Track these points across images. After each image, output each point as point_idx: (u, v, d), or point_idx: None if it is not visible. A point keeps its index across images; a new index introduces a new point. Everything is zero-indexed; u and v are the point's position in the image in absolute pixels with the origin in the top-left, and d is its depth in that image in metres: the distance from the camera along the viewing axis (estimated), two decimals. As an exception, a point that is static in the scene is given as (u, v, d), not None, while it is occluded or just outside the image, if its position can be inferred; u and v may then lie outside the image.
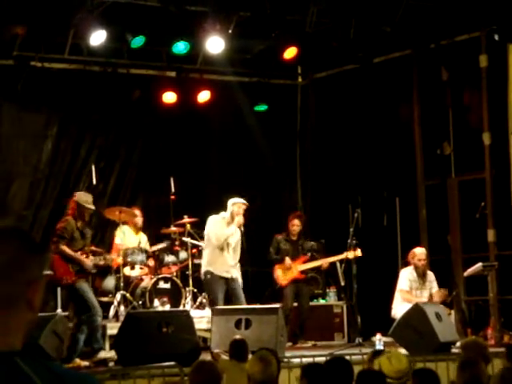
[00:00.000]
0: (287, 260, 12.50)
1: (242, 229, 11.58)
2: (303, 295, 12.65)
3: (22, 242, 1.95)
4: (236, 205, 11.47)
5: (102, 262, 10.86)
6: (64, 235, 10.25)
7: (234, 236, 11.56)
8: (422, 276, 11.71)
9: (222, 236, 11.40)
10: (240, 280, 11.52)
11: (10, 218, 12.96)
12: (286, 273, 12.54)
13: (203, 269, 11.58)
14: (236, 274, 11.51)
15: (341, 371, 5.94)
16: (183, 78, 13.84)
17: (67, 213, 10.49)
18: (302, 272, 12.60)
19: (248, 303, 11.38)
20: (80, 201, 10.44)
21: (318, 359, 8.41)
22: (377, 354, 6.82)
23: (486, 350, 6.80)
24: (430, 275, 11.86)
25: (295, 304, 12.59)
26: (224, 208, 11.62)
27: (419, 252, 11.80)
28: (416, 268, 11.69)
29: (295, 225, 12.69)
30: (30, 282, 1.92)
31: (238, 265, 11.71)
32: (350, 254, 11.85)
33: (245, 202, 11.51)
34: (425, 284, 11.73)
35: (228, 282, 11.43)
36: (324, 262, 12.60)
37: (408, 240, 13.09)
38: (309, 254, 12.72)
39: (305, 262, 12.63)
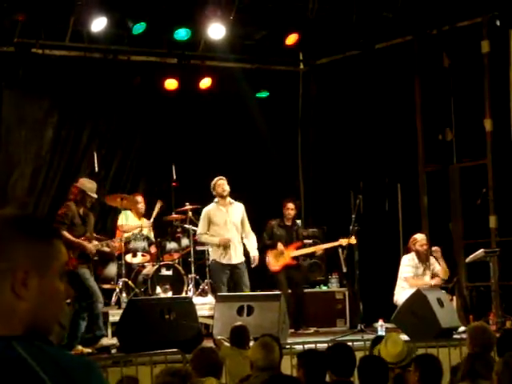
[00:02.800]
0: (279, 245, 12.45)
1: (240, 208, 11.60)
2: (297, 282, 12.59)
3: (11, 228, 1.93)
4: (216, 184, 11.60)
5: (106, 249, 10.87)
6: (64, 221, 10.18)
7: (232, 215, 11.59)
8: (424, 261, 11.71)
9: (219, 220, 11.43)
10: (244, 266, 11.55)
11: (11, 204, 12.96)
12: (278, 258, 12.47)
13: (210, 257, 11.71)
14: (240, 258, 11.53)
15: (343, 357, 5.95)
16: (184, 64, 13.80)
17: (69, 198, 10.46)
18: (294, 258, 12.57)
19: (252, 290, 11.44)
20: (84, 187, 10.38)
21: (319, 345, 8.43)
22: (377, 340, 6.84)
23: (493, 337, 6.75)
24: (431, 259, 11.87)
25: (289, 291, 12.55)
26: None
27: (421, 237, 11.80)
28: (418, 254, 11.69)
29: (289, 208, 12.66)
30: (14, 269, 1.91)
31: (252, 240, 11.71)
32: (344, 241, 11.83)
33: (222, 177, 11.61)
34: (428, 269, 11.73)
35: (232, 268, 11.47)
36: (317, 249, 12.60)
37: (410, 226, 13.09)
38: (305, 241, 12.71)
39: (298, 248, 12.60)
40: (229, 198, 11.68)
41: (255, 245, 11.87)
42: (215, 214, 11.62)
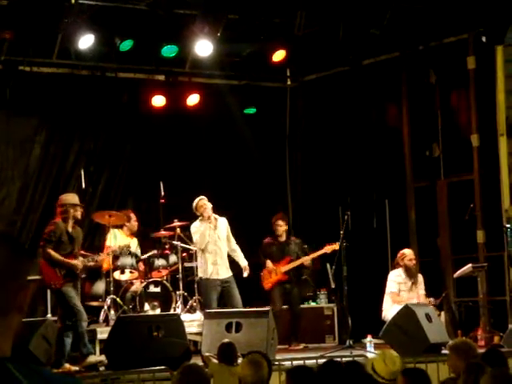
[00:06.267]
0: (268, 263, 12.55)
1: (224, 222, 11.61)
2: (292, 297, 12.63)
3: (12, 248, 1.94)
4: (198, 205, 11.57)
5: (91, 263, 10.83)
6: (51, 239, 10.15)
7: (218, 229, 11.58)
8: (413, 276, 11.71)
9: (202, 238, 11.44)
10: (233, 280, 11.53)
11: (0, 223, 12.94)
12: (270, 275, 12.57)
13: (198, 274, 11.69)
14: (228, 273, 11.53)
15: (334, 375, 5.93)
16: (172, 81, 13.85)
17: (56, 217, 10.43)
18: (286, 273, 12.59)
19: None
20: (65, 201, 10.37)
21: (308, 362, 8.41)
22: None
23: (475, 352, 6.79)
24: (420, 277, 11.87)
25: (285, 306, 12.59)
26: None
27: (409, 252, 11.82)
28: (406, 268, 11.69)
29: (278, 225, 12.70)
30: (21, 287, 1.92)
31: (238, 251, 11.72)
32: (328, 249, 11.94)
33: (202, 197, 11.59)
34: (415, 285, 11.73)
35: (221, 283, 11.45)
36: (305, 260, 12.61)
37: (398, 242, 13.10)
38: (297, 254, 12.73)
39: (289, 263, 12.63)
40: (213, 215, 11.66)
41: (242, 254, 11.88)
42: (205, 231, 11.58)
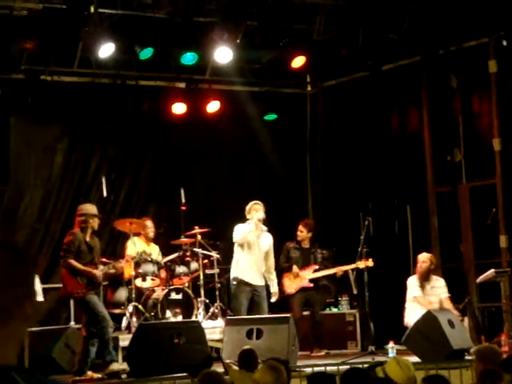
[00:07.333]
0: (294, 268, 12.46)
1: (265, 229, 11.54)
2: (315, 303, 12.60)
3: (14, 256, 1.96)
4: (251, 207, 11.54)
5: (112, 271, 10.86)
6: (71, 249, 10.22)
7: (262, 240, 11.53)
8: (424, 280, 11.64)
9: (241, 233, 11.37)
10: (264, 292, 11.52)
11: (22, 231, 13.00)
12: (293, 281, 12.50)
13: (231, 275, 11.64)
14: (261, 282, 11.50)
15: (357, 382, 5.90)
16: (192, 88, 13.87)
17: (74, 227, 10.49)
18: (311, 280, 12.55)
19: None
20: (84, 211, 10.43)
21: (329, 368, 8.39)
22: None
23: (500, 357, 6.72)
24: (439, 281, 11.81)
25: (306, 313, 12.54)
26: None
27: (421, 256, 11.79)
28: (419, 273, 11.65)
29: (299, 231, 12.67)
30: (24, 296, 1.93)
31: (273, 276, 11.70)
32: (361, 264, 11.84)
33: (258, 201, 11.55)
34: (430, 289, 11.67)
35: (253, 290, 11.42)
36: (338, 270, 12.56)
37: (420, 247, 13.02)
38: (319, 262, 12.69)
39: (315, 271, 12.57)
40: (262, 225, 11.62)
41: (276, 281, 11.86)
42: (247, 231, 11.51)
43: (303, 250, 12.68)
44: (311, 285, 12.51)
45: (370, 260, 11.78)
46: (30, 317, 1.95)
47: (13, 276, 1.93)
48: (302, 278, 12.46)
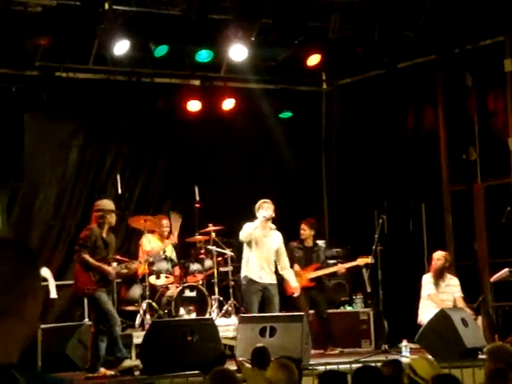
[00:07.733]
0: (296, 267, 12.35)
1: (273, 228, 11.53)
2: (319, 303, 12.49)
3: (17, 253, 1.95)
4: (260, 205, 11.51)
5: (124, 271, 10.85)
6: (87, 244, 10.19)
7: (270, 238, 11.51)
8: (439, 277, 11.63)
9: (246, 231, 11.37)
10: (276, 289, 11.49)
11: (37, 228, 13.05)
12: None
13: (241, 274, 11.62)
14: (271, 280, 11.48)
15: (371, 380, 5.89)
16: (207, 86, 13.88)
17: (91, 222, 10.49)
18: (314, 279, 12.49)
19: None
20: (102, 207, 10.41)
21: (341, 366, 8.38)
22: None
23: None
24: (453, 280, 11.79)
25: (311, 311, 12.45)
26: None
27: (436, 254, 11.78)
28: (433, 271, 11.64)
29: (302, 229, 12.58)
30: (25, 293, 1.92)
31: (290, 272, 11.69)
32: (361, 261, 11.83)
33: (267, 200, 11.51)
34: (445, 287, 11.66)
35: (263, 288, 11.40)
36: (338, 269, 12.53)
37: (434, 246, 12.99)
38: (328, 261, 12.64)
39: (316, 270, 12.52)
40: (270, 224, 11.60)
41: (294, 277, 11.83)
42: (253, 228, 11.49)
43: (306, 249, 12.59)
44: (312, 284, 12.43)
45: (369, 257, 11.75)
46: (32, 314, 1.93)
47: (10, 273, 1.92)
48: (303, 277, 12.38)
